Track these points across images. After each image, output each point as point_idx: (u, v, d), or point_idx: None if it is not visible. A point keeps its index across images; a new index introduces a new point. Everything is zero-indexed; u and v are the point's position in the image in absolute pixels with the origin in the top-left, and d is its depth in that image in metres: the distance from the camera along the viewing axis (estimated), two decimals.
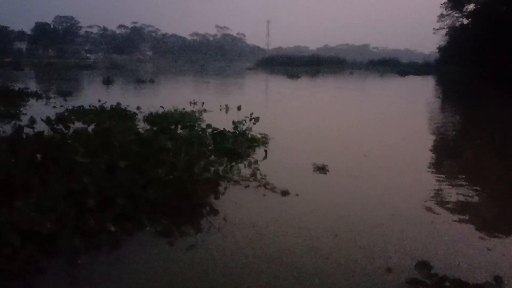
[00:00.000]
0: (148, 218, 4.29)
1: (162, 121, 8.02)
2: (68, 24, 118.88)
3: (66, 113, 9.80)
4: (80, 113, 9.64)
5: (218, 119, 9.14)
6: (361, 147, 7.91)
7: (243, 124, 7.41)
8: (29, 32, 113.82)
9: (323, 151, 7.38)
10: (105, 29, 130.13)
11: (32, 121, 4.63)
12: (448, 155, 8.14)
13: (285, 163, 6.50)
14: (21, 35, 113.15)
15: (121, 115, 9.11)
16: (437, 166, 7.07)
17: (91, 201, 4.06)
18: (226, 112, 12.45)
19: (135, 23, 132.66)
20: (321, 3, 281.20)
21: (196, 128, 7.11)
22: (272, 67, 65.54)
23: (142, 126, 8.58)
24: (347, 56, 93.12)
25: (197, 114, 10.63)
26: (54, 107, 11.89)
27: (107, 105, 10.75)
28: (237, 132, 7.23)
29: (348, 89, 27.45)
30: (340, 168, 6.20)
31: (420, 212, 4.64)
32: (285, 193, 5.05)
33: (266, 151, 6.87)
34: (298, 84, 29.99)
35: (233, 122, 7.36)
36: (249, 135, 7.41)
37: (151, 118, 9.24)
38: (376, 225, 4.28)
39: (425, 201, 4.94)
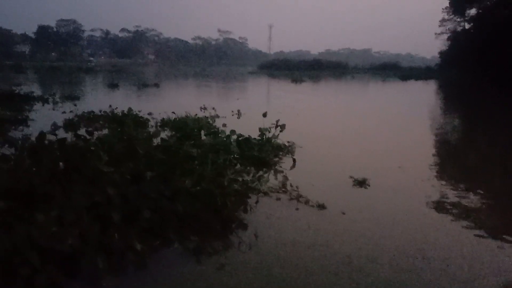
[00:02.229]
0: (176, 234, 3.90)
1: (183, 127, 7.59)
2: (71, 28, 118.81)
3: (76, 119, 9.40)
4: (91, 118, 9.22)
5: (233, 125, 8.72)
6: (391, 156, 7.57)
7: (269, 131, 6.98)
8: (32, 35, 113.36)
9: (355, 162, 6.98)
10: (107, 32, 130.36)
11: (55, 127, 4.22)
12: (483, 165, 7.67)
13: (317, 174, 6.10)
14: (23, 38, 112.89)
15: (134, 121, 8.69)
16: (475, 175, 6.71)
17: (116, 215, 3.70)
18: (238, 117, 12.05)
19: (137, 26, 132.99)
20: (323, 8, 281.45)
21: (219, 135, 6.70)
22: (274, 71, 65.30)
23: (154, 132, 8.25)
24: (349, 61, 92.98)
25: (210, 120, 10.19)
26: (64, 112, 11.46)
27: (116, 110, 10.35)
28: (263, 140, 6.80)
29: (355, 94, 27.17)
30: (378, 181, 5.74)
31: (482, 238, 4.12)
32: (321, 207, 4.61)
33: (294, 160, 6.48)
34: (303, 88, 29.66)
35: (260, 129, 6.97)
36: (275, 143, 6.99)
37: (165, 124, 8.85)
38: (432, 249, 3.80)
39: (484, 221, 4.49)
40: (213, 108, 13.24)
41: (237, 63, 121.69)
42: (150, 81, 30.24)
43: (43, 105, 13.76)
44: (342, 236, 4.04)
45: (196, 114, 10.36)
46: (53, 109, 12.85)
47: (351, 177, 5.80)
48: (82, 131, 8.51)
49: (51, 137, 4.26)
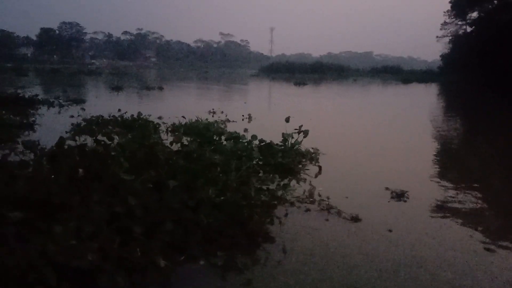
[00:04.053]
0: (201, 248, 3.62)
1: (204, 132, 7.26)
2: (73, 30, 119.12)
3: (84, 123, 9.08)
4: (100, 123, 8.89)
5: (245, 130, 8.36)
6: (422, 165, 7.20)
7: (292, 137, 6.64)
8: (34, 38, 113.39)
9: (384, 170, 6.61)
10: (109, 35, 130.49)
11: (75, 132, 3.90)
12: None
13: (347, 184, 5.73)
14: (26, 40, 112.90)
15: (144, 126, 8.35)
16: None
17: (137, 227, 3.44)
18: (249, 121, 11.71)
19: (139, 29, 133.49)
20: (325, 11, 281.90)
21: (241, 140, 6.37)
22: (275, 74, 65.04)
23: (166, 137, 7.95)
24: (350, 63, 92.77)
25: (221, 124, 9.84)
26: (72, 116, 11.12)
27: (125, 114, 10.01)
28: (286, 145, 6.47)
29: (362, 98, 26.92)
30: (415, 193, 5.28)
31: None
32: (354, 219, 4.31)
33: (320, 167, 6.14)
34: (307, 91, 29.37)
35: (283, 134, 6.65)
36: (299, 150, 6.68)
37: (177, 129, 8.53)
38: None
39: None
40: (222, 112, 12.93)
41: (239, 65, 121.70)
42: (153, 84, 29.93)
43: (48, 109, 13.45)
44: (376, 250, 3.69)
45: (207, 119, 10.03)
46: (59, 113, 12.53)
47: (387, 188, 5.41)
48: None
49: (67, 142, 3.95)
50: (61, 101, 15.43)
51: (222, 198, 4.06)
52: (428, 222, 4.44)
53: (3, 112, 10.45)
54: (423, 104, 23.40)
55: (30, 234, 3.02)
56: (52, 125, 10.05)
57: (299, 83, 37.13)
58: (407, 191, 5.23)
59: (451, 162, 8.14)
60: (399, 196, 5.10)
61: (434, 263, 3.55)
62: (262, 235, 3.97)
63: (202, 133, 7.14)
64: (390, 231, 4.14)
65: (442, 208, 4.87)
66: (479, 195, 5.49)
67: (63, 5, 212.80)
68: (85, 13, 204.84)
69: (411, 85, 43.02)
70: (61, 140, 3.61)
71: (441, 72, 61.57)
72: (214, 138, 6.69)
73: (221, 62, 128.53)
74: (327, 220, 4.37)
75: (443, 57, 61.54)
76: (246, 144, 6.37)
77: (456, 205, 5.03)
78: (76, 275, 3.02)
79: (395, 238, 3.98)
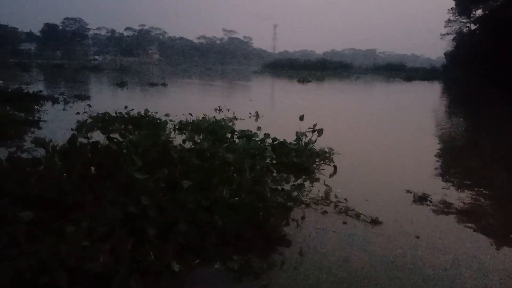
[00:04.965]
0: (216, 251, 3.50)
1: (217, 130, 7.13)
2: (77, 26, 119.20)
3: (89, 120, 8.95)
4: (107, 120, 8.76)
5: (254, 128, 8.18)
6: (438, 165, 7.05)
7: (306, 136, 6.49)
8: (38, 34, 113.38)
9: (402, 171, 6.42)
10: (113, 31, 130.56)
11: (88, 129, 3.79)
12: None
13: (366, 185, 5.52)
14: (30, 36, 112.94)
15: (152, 124, 8.22)
16: None
17: (151, 229, 3.33)
18: (256, 120, 11.57)
19: (142, 25, 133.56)
20: (328, 8, 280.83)
21: (253, 138, 6.23)
22: (278, 71, 64.74)
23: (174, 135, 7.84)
24: (354, 61, 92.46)
25: (229, 122, 9.69)
26: (78, 113, 10.98)
27: (132, 111, 9.88)
28: (299, 144, 6.33)
29: (368, 95, 26.72)
30: (438, 197, 5.07)
31: None
32: (374, 222, 4.17)
33: (335, 167, 6.00)
34: (311, 89, 29.17)
35: (297, 133, 6.52)
36: (313, 149, 6.55)
37: (184, 126, 8.41)
38: None
39: None
40: (228, 110, 12.78)
41: (241, 62, 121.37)
42: (157, 80, 29.75)
43: (53, 105, 13.33)
44: (398, 254, 3.55)
45: (214, 117, 9.89)
46: (64, 109, 12.40)
47: (408, 191, 5.20)
48: (98, 134, 8.14)
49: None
50: (65, 97, 15.29)
51: (237, 198, 3.94)
52: (457, 229, 4.22)
53: (8, 108, 10.33)
54: (429, 102, 23.21)
55: (41, 234, 2.96)
56: (58, 121, 9.93)
57: (303, 80, 36.90)
58: (430, 195, 5.02)
59: (470, 163, 7.87)
60: (422, 199, 4.87)
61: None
62: (279, 238, 3.84)
63: (216, 130, 7.00)
64: (418, 237, 3.93)
65: (470, 214, 4.66)
66: (507, 198, 5.31)
67: (67, 1, 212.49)
68: (88, 9, 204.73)
69: (414, 83, 42.73)
70: (74, 137, 3.49)
71: (444, 70, 61.28)
72: (227, 136, 6.54)
73: (224, 58, 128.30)
74: (345, 222, 4.22)
75: (447, 54, 61.27)
76: (259, 142, 6.24)
77: (484, 209, 4.84)
78: (88, 278, 2.93)
79: (424, 245, 3.78)
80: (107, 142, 3.92)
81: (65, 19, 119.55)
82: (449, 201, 4.99)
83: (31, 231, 2.94)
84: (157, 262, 3.17)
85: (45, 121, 9.81)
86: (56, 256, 2.83)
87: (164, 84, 26.13)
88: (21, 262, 2.75)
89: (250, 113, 12.24)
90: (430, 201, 4.86)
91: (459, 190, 5.54)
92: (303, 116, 6.56)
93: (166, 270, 3.15)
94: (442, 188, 5.54)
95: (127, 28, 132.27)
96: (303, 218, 4.19)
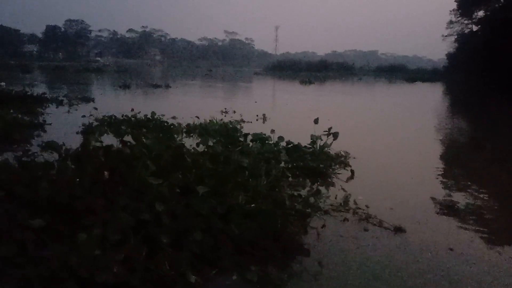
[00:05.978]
0: (233, 261, 3.32)
1: (230, 133, 6.97)
2: (79, 28, 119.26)
3: (95, 124, 8.80)
4: (113, 123, 8.60)
5: (261, 130, 7.99)
6: (460, 171, 6.83)
7: (321, 139, 6.33)
8: (40, 35, 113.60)
9: (421, 177, 6.17)
10: (114, 33, 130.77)
11: (101, 132, 3.64)
12: None
13: (385, 192, 5.31)
14: (32, 38, 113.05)
15: (159, 127, 8.07)
16: None
17: (165, 236, 3.19)
18: (263, 122, 11.40)
19: (144, 27, 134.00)
20: (330, 9, 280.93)
21: (267, 141, 6.07)
22: (280, 72, 64.56)
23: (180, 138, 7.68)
24: (355, 62, 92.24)
25: (237, 125, 9.49)
26: (84, 116, 10.80)
27: (137, 113, 9.73)
28: (314, 148, 6.18)
29: (372, 97, 26.55)
30: (466, 204, 4.83)
31: None
32: (398, 229, 3.99)
33: (353, 171, 5.82)
34: (314, 90, 29.02)
35: (311, 136, 6.37)
36: (328, 153, 6.39)
37: (192, 129, 8.27)
38: None
39: None
40: (234, 112, 12.61)
41: (243, 64, 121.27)
42: (160, 82, 29.61)
43: (57, 107, 13.18)
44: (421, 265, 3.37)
45: (222, 119, 9.72)
46: (69, 112, 12.24)
47: (432, 198, 4.99)
48: (110, 137, 7.98)
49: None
50: (69, 99, 15.14)
51: (253, 205, 3.76)
52: (492, 241, 3.98)
53: (11, 111, 10.17)
54: (434, 103, 23.00)
55: (52, 241, 2.83)
56: (64, 124, 9.77)
57: (305, 81, 36.75)
58: (458, 202, 4.81)
59: (493, 168, 7.49)
60: (449, 208, 4.62)
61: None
62: (297, 247, 3.67)
63: (230, 134, 6.84)
64: (451, 249, 3.70)
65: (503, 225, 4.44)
66: None
67: (69, 3, 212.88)
68: (90, 11, 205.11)
69: (416, 84, 42.53)
70: (87, 140, 3.34)
71: (446, 71, 61.11)
72: (240, 139, 6.37)
73: (225, 60, 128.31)
74: (366, 230, 4.04)
75: (449, 56, 61.12)
76: (273, 145, 6.08)
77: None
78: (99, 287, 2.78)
79: (459, 259, 3.54)
80: (119, 145, 3.76)
81: (67, 20, 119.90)
82: (478, 210, 4.73)
83: (40, 237, 2.83)
84: (172, 272, 3.02)
85: (50, 124, 9.64)
86: (66, 265, 2.70)
87: (167, 86, 25.98)
88: (30, 271, 2.64)
89: (257, 115, 12.08)
90: (458, 210, 4.62)
91: (488, 198, 5.30)
92: (317, 119, 6.40)
93: (182, 280, 3.01)
94: (469, 195, 5.30)
95: (129, 30, 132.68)
96: (323, 226, 4.00)
